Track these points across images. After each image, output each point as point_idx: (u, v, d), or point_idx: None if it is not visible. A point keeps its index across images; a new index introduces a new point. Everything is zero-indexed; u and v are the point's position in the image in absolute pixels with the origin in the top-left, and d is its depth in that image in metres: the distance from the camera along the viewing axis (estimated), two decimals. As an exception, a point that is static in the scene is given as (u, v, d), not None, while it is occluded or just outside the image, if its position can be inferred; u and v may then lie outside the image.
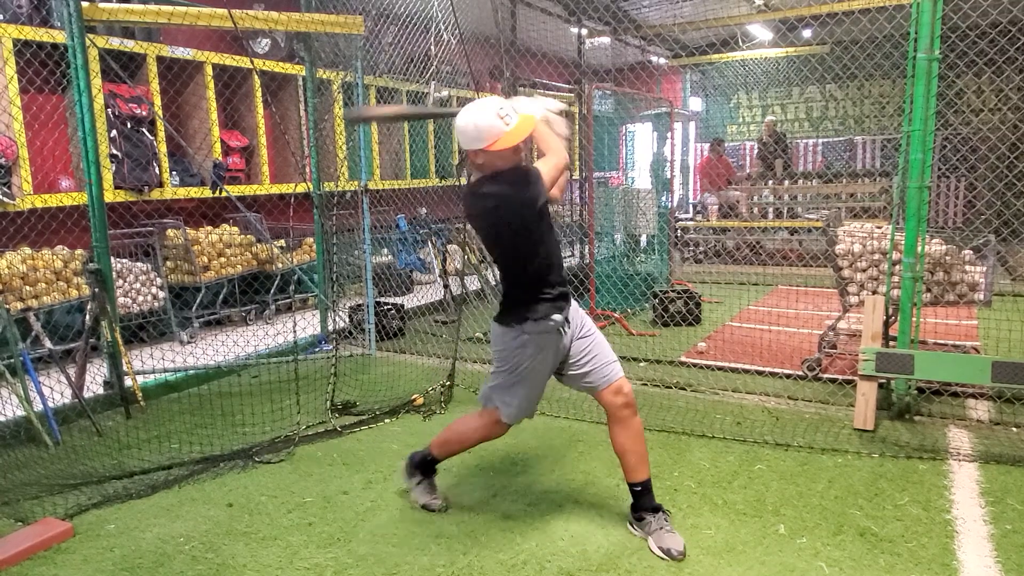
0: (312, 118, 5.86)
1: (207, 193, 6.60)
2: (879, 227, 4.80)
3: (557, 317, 2.65)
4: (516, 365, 2.72)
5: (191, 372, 4.99)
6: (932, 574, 2.52)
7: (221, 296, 6.50)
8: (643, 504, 2.77)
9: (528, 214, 2.58)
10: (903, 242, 3.80)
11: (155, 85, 6.07)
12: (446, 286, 7.26)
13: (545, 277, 2.68)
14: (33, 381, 3.87)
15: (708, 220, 10.68)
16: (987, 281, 4.33)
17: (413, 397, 4.47)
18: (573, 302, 2.81)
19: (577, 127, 7.83)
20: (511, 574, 2.58)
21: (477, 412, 2.98)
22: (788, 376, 4.79)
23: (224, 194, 6.01)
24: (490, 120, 2.52)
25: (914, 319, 3.81)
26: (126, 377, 4.48)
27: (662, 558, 2.63)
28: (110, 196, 5.60)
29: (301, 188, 6.81)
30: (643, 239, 8.20)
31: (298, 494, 3.26)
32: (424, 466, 3.09)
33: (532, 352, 2.68)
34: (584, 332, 2.79)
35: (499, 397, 2.83)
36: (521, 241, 2.63)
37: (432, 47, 5.85)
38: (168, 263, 6.27)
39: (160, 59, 6.12)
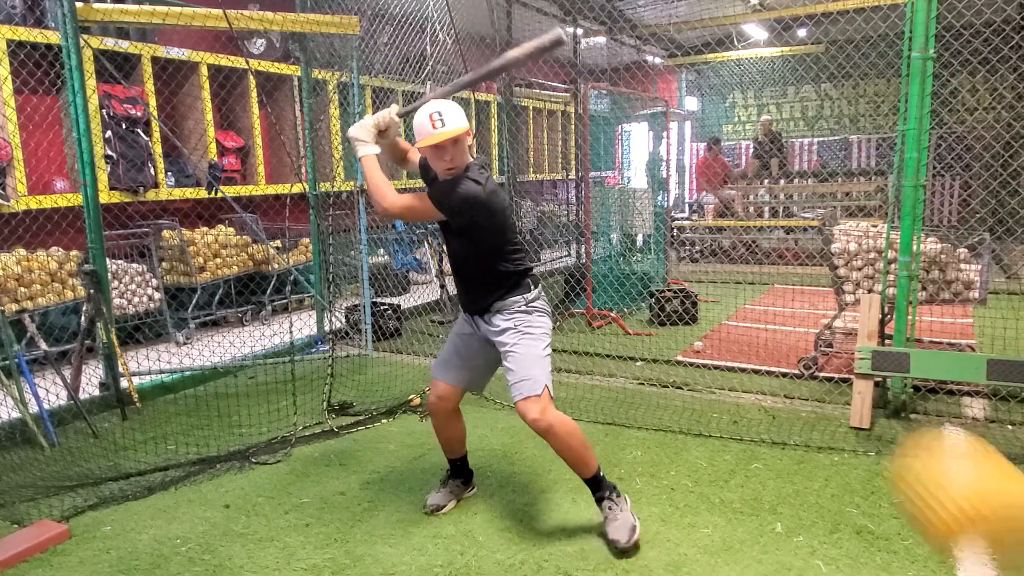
0: (308, 118, 5.86)
1: (203, 194, 6.59)
2: (875, 226, 4.82)
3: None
4: None
5: (187, 373, 4.98)
6: (928, 572, 2.53)
7: (217, 297, 6.49)
8: (593, 494, 2.81)
9: None
10: (899, 241, 3.81)
11: (150, 86, 6.06)
12: (443, 286, 7.25)
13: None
14: (28, 383, 3.86)
15: (704, 219, 10.69)
16: (982, 279, 4.34)
17: (410, 397, 4.46)
18: (486, 316, 2.82)
19: (574, 127, 7.83)
20: (509, 574, 2.58)
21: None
22: (785, 375, 4.79)
23: (220, 195, 6.00)
24: (421, 118, 2.63)
25: (910, 317, 3.82)
26: (122, 378, 4.47)
27: (627, 556, 2.65)
28: (105, 197, 5.57)
29: (297, 188, 6.81)
30: (639, 238, 8.20)
31: (295, 495, 3.26)
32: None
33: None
34: (503, 344, 2.76)
35: None
36: None
37: (428, 47, 5.84)
38: (164, 264, 6.26)
39: (155, 59, 6.11)
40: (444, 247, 2.95)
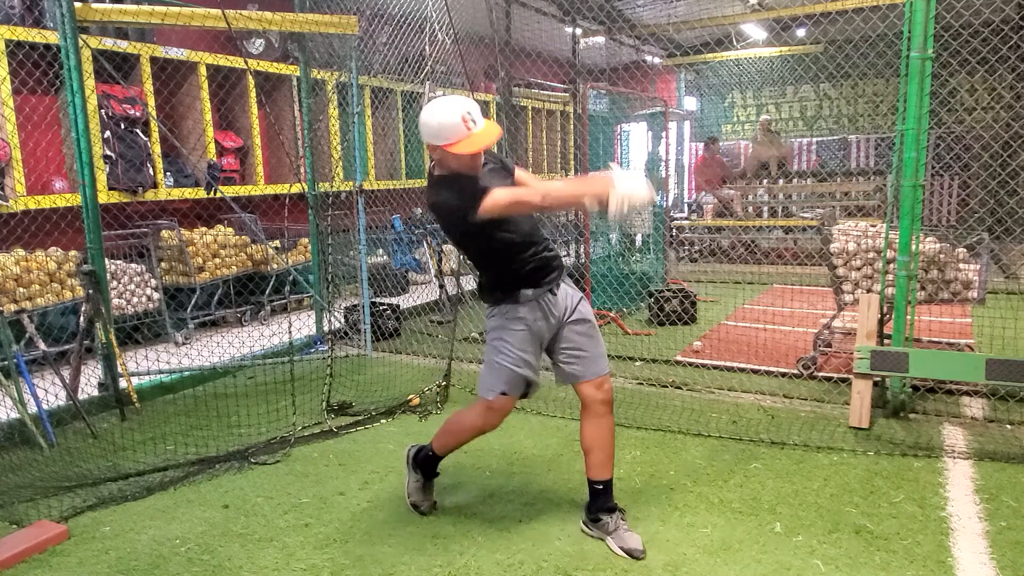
0: (306, 118, 5.86)
1: (201, 194, 6.58)
2: (873, 225, 4.82)
3: (528, 292, 2.67)
4: (498, 346, 2.74)
5: (186, 373, 4.98)
6: (927, 571, 2.53)
7: (216, 297, 6.49)
8: (601, 504, 2.77)
9: (464, 224, 2.55)
10: (897, 240, 3.81)
11: (149, 86, 6.06)
12: (442, 286, 7.25)
13: (507, 263, 2.68)
14: (27, 383, 3.85)
15: (703, 219, 10.70)
16: (981, 279, 4.35)
17: (409, 397, 4.46)
18: (568, 286, 2.79)
19: (573, 127, 7.84)
20: (508, 574, 2.58)
21: (473, 404, 2.94)
22: (784, 375, 4.80)
23: (219, 195, 5.99)
24: (453, 120, 2.47)
25: (908, 317, 3.83)
26: (121, 379, 4.47)
27: (624, 557, 2.63)
28: (104, 197, 5.57)
29: (296, 189, 6.80)
30: (639, 238, 8.21)
31: (294, 495, 3.26)
32: (425, 464, 3.04)
33: (509, 330, 2.72)
34: (578, 317, 2.76)
35: (488, 381, 2.81)
36: (468, 242, 2.74)
37: (427, 47, 5.85)
38: (163, 264, 6.25)
39: (154, 59, 6.10)
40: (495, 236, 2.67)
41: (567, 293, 2.77)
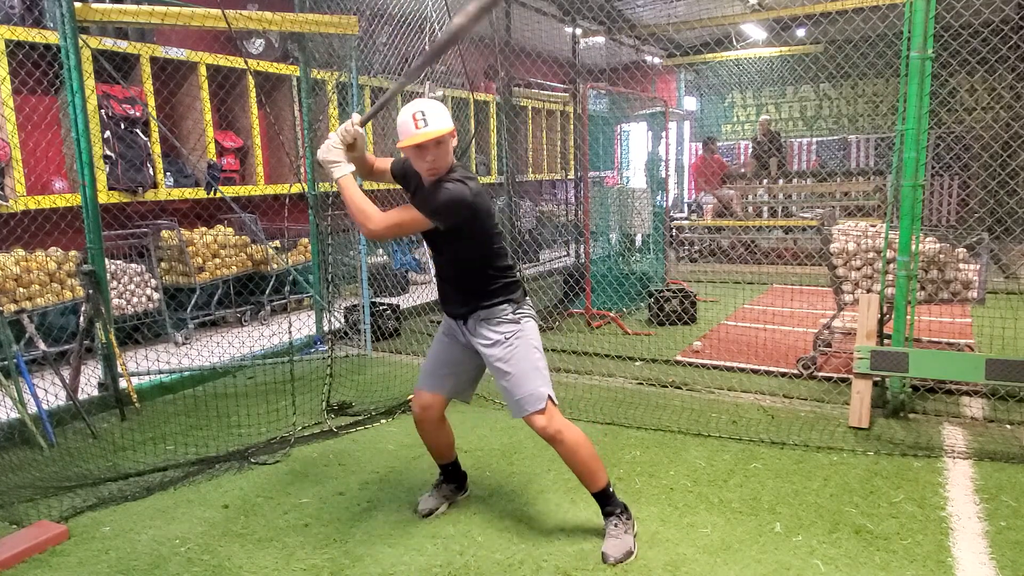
0: (306, 118, 5.86)
1: (201, 194, 6.58)
2: (873, 225, 4.82)
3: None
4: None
5: (186, 373, 4.98)
6: (927, 571, 2.53)
7: (216, 297, 6.49)
8: (600, 509, 2.77)
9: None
10: (897, 240, 3.81)
11: (149, 86, 6.06)
12: (441, 286, 7.25)
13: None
14: (27, 383, 3.85)
15: (703, 219, 10.70)
16: (980, 279, 4.35)
17: (409, 398, 4.45)
18: (470, 323, 2.76)
19: (573, 127, 7.84)
20: (508, 573, 2.58)
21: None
22: (784, 375, 4.80)
23: (219, 195, 5.99)
24: (404, 117, 2.52)
25: (908, 317, 3.83)
26: (121, 379, 4.47)
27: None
28: (104, 197, 5.57)
29: (296, 189, 6.81)
30: (638, 239, 8.21)
31: (294, 495, 3.26)
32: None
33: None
34: (493, 358, 2.70)
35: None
36: None
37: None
38: (163, 264, 6.25)
39: (154, 60, 6.10)
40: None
41: (478, 332, 2.75)
